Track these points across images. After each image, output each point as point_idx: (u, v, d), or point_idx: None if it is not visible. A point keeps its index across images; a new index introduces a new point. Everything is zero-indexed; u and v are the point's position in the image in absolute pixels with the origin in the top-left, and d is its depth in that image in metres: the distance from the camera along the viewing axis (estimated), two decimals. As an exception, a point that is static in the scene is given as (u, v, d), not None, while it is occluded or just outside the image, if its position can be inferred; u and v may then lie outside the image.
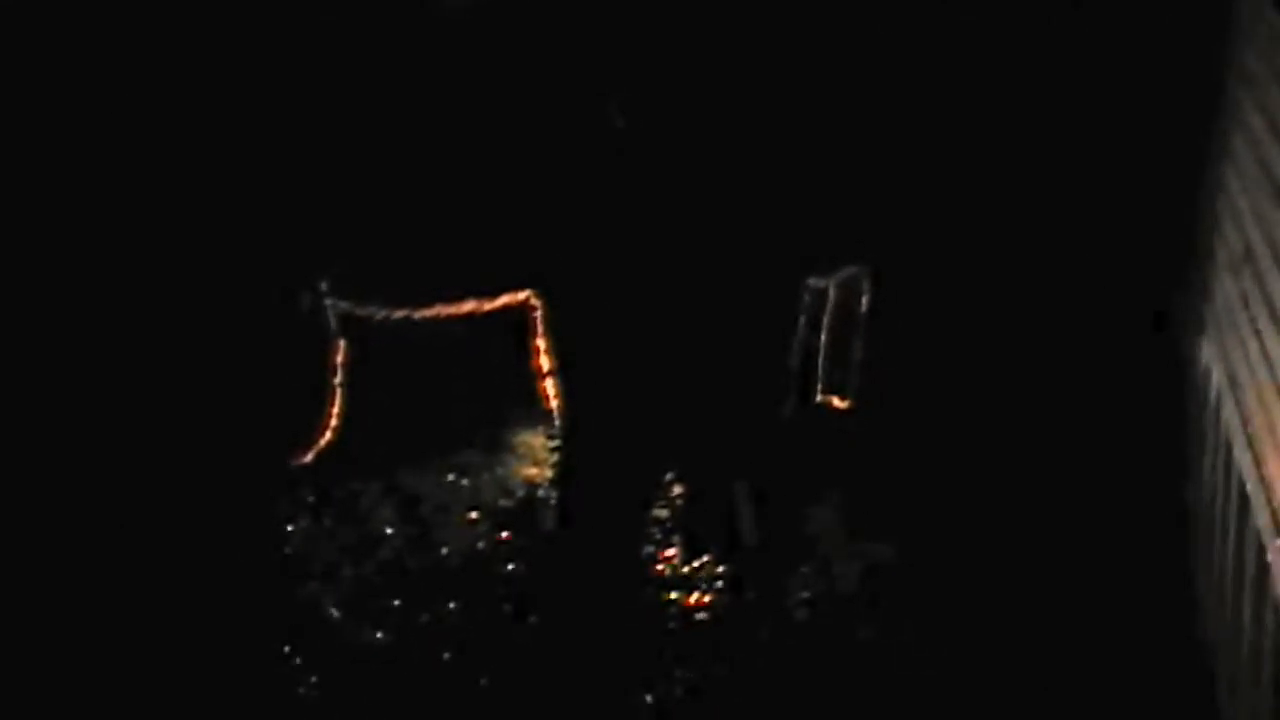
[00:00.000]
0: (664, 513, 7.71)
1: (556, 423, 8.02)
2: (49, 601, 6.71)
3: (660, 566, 7.40)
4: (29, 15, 7.07)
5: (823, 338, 8.31)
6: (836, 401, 8.35)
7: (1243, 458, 5.76)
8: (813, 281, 8.06)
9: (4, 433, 7.13)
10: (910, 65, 7.50)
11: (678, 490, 7.81)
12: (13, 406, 7.17)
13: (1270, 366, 5.46)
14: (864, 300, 8.13)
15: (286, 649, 6.70)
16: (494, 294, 7.80)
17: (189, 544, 7.15)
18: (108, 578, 6.90)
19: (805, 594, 7.16)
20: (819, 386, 8.40)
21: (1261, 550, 5.35)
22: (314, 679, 6.59)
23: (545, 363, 7.99)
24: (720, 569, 7.34)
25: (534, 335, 7.92)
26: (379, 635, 6.89)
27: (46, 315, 7.33)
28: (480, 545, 7.51)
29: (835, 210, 7.76)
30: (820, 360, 8.35)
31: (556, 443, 8.01)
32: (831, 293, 8.20)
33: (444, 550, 7.46)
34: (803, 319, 8.17)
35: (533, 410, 8.19)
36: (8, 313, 7.23)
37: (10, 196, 7.17)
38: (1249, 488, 5.63)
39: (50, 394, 7.30)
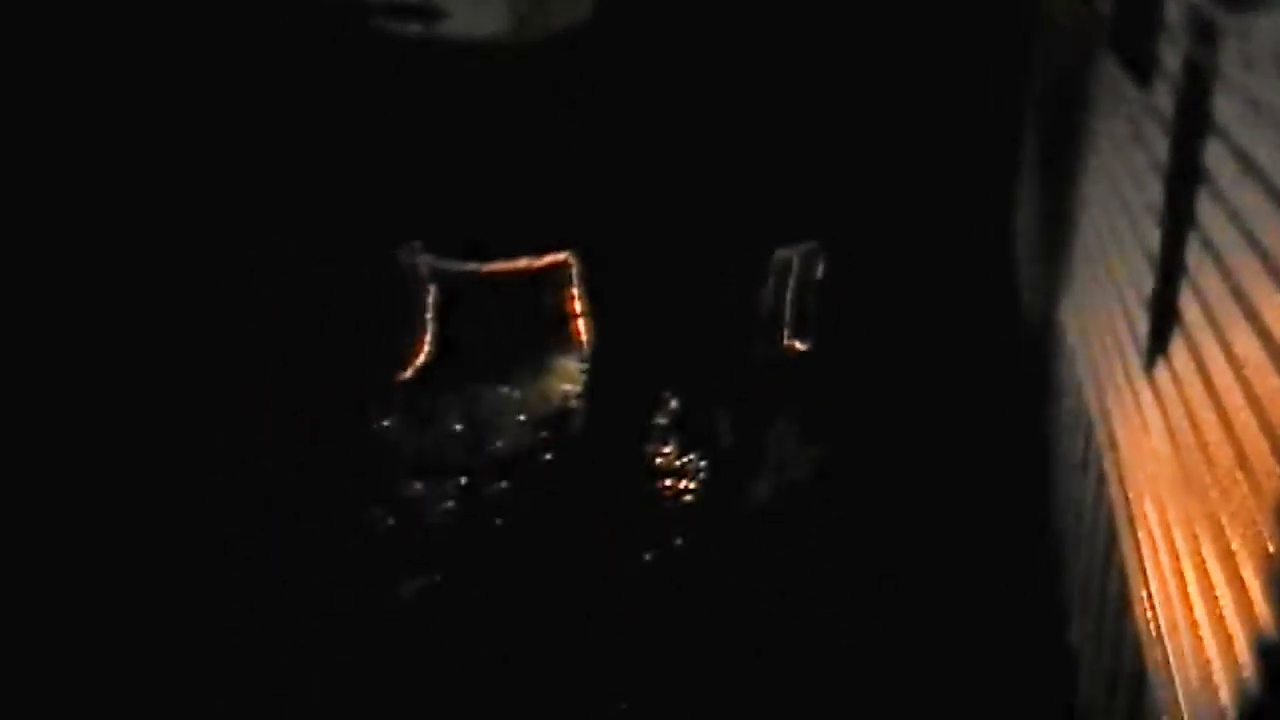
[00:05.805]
0: (663, 421, 8.38)
1: (586, 352, 9.06)
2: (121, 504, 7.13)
3: (659, 460, 8.05)
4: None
5: (788, 296, 9.29)
6: (798, 345, 9.33)
7: (1103, 441, 5.53)
8: (780, 253, 9.18)
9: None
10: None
11: (673, 405, 8.52)
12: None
13: (1121, 350, 5.28)
14: (820, 268, 9.30)
15: (377, 514, 7.42)
16: (541, 254, 8.88)
17: (305, 443, 7.85)
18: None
19: (768, 481, 7.72)
20: (785, 333, 9.37)
21: (1113, 517, 5.14)
22: (399, 540, 7.22)
23: (578, 307, 9.08)
24: (704, 463, 8.01)
25: (570, 286, 9.05)
26: (449, 504, 7.58)
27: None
28: (526, 441, 8.20)
29: (799, 196, 8.80)
30: (786, 313, 9.32)
31: (585, 366, 8.96)
32: (795, 261, 9.34)
33: (498, 444, 8.17)
34: (771, 280, 9.22)
35: (569, 342, 9.13)
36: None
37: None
38: (1105, 466, 5.41)
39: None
